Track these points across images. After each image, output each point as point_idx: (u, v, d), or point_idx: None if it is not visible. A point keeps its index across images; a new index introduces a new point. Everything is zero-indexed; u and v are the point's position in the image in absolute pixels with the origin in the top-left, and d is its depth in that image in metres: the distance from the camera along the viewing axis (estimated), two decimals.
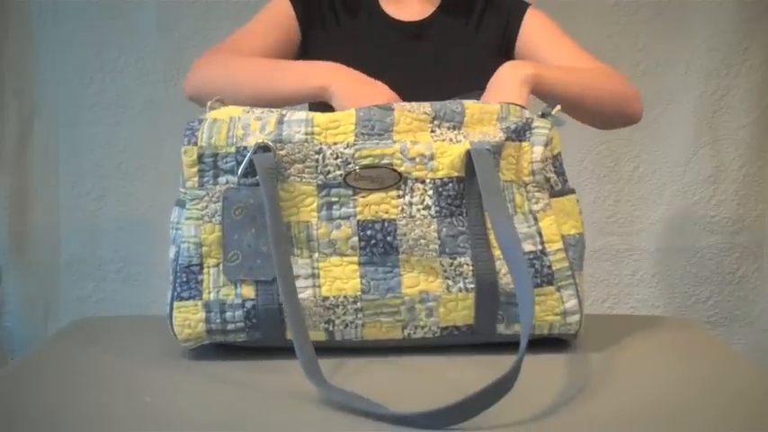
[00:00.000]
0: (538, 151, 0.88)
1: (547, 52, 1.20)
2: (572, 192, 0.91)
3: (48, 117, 1.94)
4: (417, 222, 0.85)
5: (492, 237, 0.85)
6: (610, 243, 1.91)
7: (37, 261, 1.96)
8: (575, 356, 0.87)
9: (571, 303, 0.87)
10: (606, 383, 0.78)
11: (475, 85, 1.00)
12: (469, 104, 0.89)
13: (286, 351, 0.81)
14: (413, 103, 0.88)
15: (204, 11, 1.88)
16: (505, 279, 0.86)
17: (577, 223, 0.90)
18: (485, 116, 0.88)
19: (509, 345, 0.86)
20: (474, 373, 0.82)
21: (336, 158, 0.84)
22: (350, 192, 0.85)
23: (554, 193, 0.89)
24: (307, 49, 1.23)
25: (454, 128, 0.87)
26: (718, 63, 1.86)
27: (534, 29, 1.23)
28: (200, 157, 0.86)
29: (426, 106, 0.88)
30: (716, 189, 1.89)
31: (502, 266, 0.85)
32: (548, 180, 0.89)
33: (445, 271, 0.85)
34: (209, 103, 0.92)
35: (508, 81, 1.00)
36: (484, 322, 0.87)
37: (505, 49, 1.24)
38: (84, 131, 1.94)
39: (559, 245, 0.87)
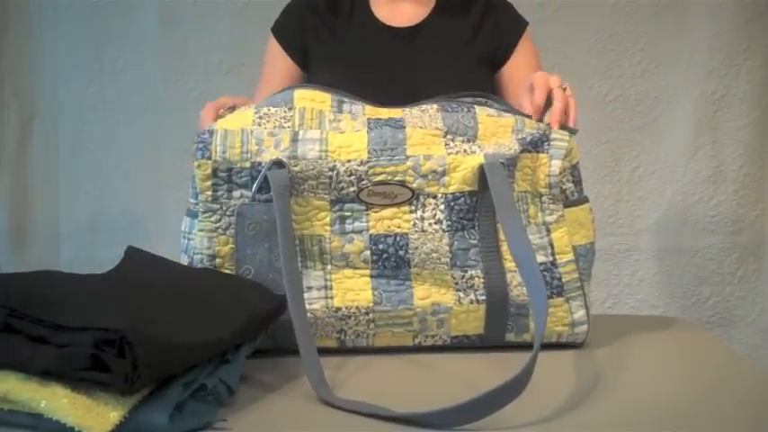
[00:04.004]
0: (556, 165, 0.88)
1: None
2: (586, 201, 0.92)
3: (48, 117, 1.94)
4: (429, 236, 0.85)
5: (504, 249, 0.86)
6: (610, 243, 1.91)
7: (37, 261, 1.96)
8: (576, 356, 0.88)
9: (579, 314, 0.88)
10: (607, 383, 0.78)
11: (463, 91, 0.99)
12: (483, 118, 0.89)
13: (288, 350, 0.82)
14: (423, 118, 0.88)
15: (204, 11, 1.87)
16: (516, 291, 0.86)
17: (589, 233, 0.91)
18: (499, 129, 0.89)
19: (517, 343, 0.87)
20: (483, 370, 0.82)
21: (350, 175, 0.85)
22: (363, 207, 0.86)
23: (569, 203, 0.90)
24: (312, 64, 1.25)
25: (468, 140, 0.88)
26: (719, 63, 1.86)
27: (527, 55, 1.25)
28: (215, 172, 0.86)
29: (438, 121, 0.88)
30: (716, 189, 1.89)
31: (513, 278, 0.86)
32: (564, 191, 0.90)
33: (456, 283, 0.86)
34: (221, 112, 0.94)
35: None
36: (494, 332, 0.88)
37: (495, 61, 1.24)
38: (84, 131, 1.93)
39: (570, 256, 0.88)
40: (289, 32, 1.27)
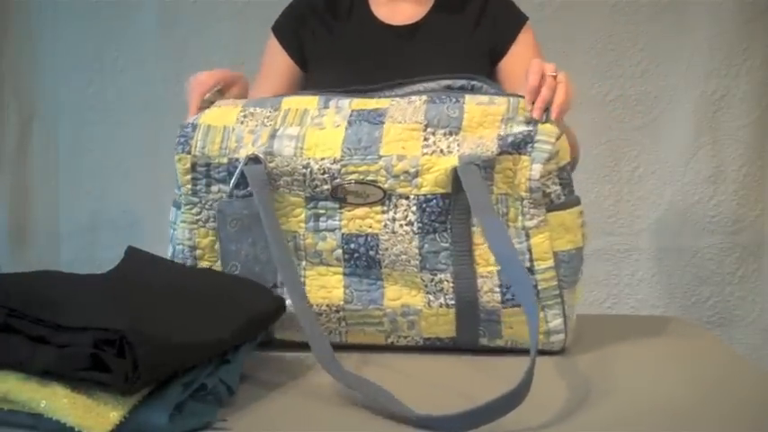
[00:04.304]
0: (537, 169, 0.85)
1: None
2: (575, 204, 0.88)
3: (48, 117, 1.94)
4: (399, 238, 0.85)
5: (477, 254, 0.85)
6: (610, 243, 1.90)
7: (37, 261, 1.96)
8: (576, 357, 0.88)
9: (555, 323, 0.87)
10: (607, 384, 0.78)
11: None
12: (470, 108, 0.87)
13: (279, 346, 0.83)
14: (407, 111, 0.87)
15: (204, 11, 1.87)
16: (486, 297, 0.85)
17: (575, 237, 0.88)
18: (487, 118, 0.86)
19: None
20: (464, 375, 0.82)
21: (323, 173, 0.85)
22: (336, 205, 0.86)
23: (555, 207, 0.87)
24: (311, 63, 1.26)
25: (450, 133, 0.86)
26: (719, 63, 1.86)
27: (527, 49, 1.23)
28: (194, 166, 0.88)
29: (420, 114, 0.87)
30: (716, 189, 1.89)
31: (483, 284, 0.85)
32: (548, 195, 0.86)
33: (426, 286, 0.86)
34: (207, 95, 0.94)
35: None
36: (466, 336, 0.88)
37: (494, 56, 1.24)
38: (84, 131, 1.93)
39: (549, 263, 0.86)
40: (288, 32, 1.27)
